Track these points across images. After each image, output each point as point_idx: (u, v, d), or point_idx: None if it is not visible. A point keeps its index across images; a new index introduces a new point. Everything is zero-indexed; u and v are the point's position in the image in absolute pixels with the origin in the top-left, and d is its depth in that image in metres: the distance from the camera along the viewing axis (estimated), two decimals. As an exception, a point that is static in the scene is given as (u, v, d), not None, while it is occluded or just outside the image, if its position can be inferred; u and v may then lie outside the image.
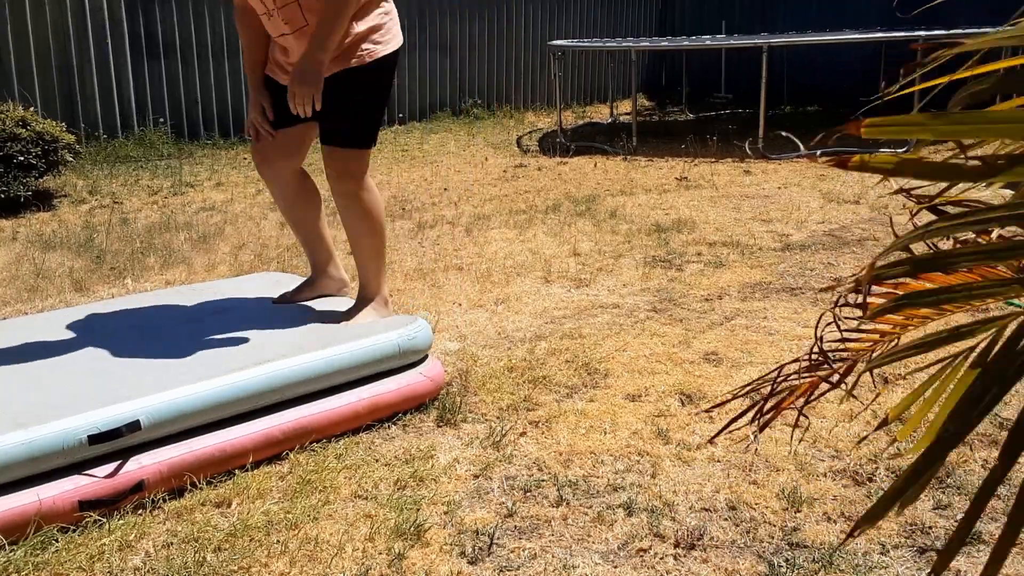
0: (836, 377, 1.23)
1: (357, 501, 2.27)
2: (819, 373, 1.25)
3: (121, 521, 2.16)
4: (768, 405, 1.25)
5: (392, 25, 2.97)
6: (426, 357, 2.90)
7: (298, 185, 3.12)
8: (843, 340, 1.23)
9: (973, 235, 1.10)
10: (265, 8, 2.83)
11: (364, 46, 2.87)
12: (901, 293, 1.14)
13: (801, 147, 7.96)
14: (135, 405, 2.27)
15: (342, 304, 3.14)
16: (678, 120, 10.88)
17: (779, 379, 1.24)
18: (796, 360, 1.26)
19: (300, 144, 3.05)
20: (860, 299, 1.13)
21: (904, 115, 0.77)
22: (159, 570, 1.98)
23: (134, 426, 2.23)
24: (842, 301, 1.17)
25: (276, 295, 3.25)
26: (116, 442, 2.22)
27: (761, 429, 1.30)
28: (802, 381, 1.24)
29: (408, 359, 2.80)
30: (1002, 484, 2.27)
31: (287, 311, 3.07)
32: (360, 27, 2.86)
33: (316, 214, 3.21)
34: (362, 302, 3.06)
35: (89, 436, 2.17)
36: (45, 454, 2.12)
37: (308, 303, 3.18)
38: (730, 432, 2.62)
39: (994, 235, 1.09)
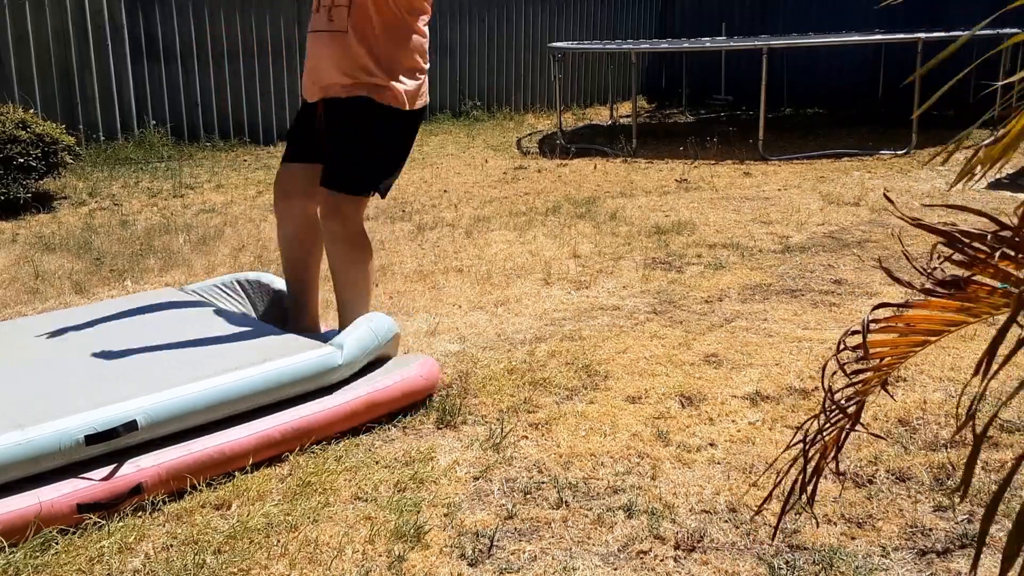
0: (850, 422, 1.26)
1: (357, 503, 2.27)
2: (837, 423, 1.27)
3: (120, 523, 2.16)
4: (804, 474, 1.27)
5: (421, 87, 2.96)
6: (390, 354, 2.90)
7: (307, 227, 3.08)
8: (849, 384, 1.25)
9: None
10: (326, 1, 2.86)
11: (393, 84, 2.87)
12: (899, 325, 1.16)
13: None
14: (132, 405, 2.27)
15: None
16: (678, 122, 10.88)
17: (806, 441, 1.26)
18: (814, 417, 1.28)
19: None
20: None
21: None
22: (158, 572, 1.98)
23: (131, 426, 2.23)
24: (843, 346, 1.19)
25: (272, 296, 3.25)
26: (113, 442, 2.22)
27: (811, 501, 1.33)
28: (827, 438, 1.26)
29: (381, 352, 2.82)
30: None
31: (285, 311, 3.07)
32: (393, 65, 2.86)
33: (316, 260, 3.17)
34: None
35: (86, 436, 2.17)
36: (42, 454, 2.12)
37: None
38: (731, 436, 2.62)
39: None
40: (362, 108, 2.86)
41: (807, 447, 1.25)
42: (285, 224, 3.10)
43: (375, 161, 2.94)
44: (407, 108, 2.90)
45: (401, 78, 2.88)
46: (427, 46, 2.99)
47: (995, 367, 0.94)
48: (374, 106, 2.86)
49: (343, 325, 2.99)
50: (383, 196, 3.02)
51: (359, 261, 2.99)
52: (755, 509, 2.20)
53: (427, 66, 2.99)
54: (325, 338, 2.87)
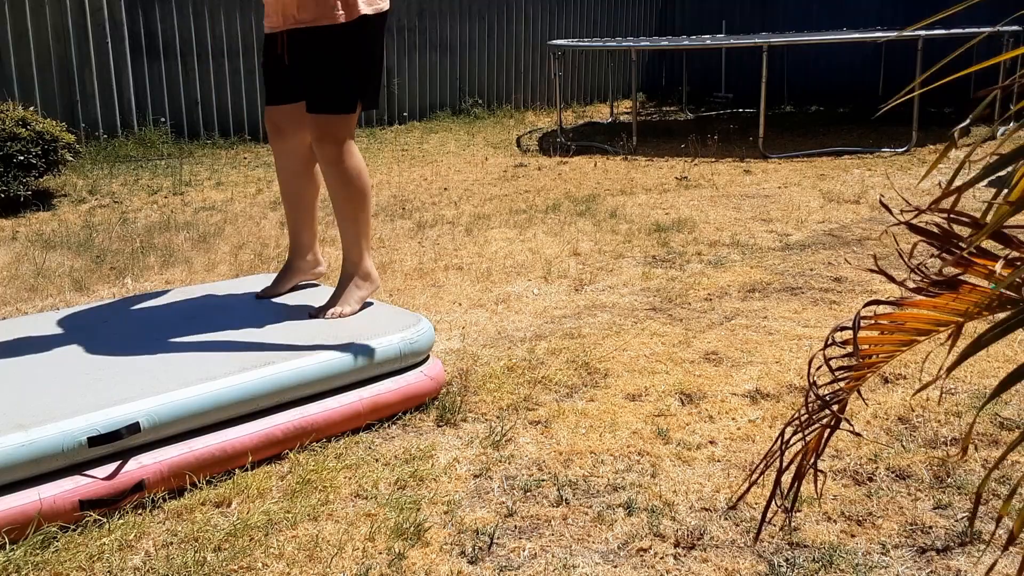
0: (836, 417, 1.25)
1: (357, 501, 2.27)
2: (821, 419, 1.26)
3: (121, 520, 2.16)
4: (787, 474, 1.26)
5: None
6: (427, 357, 2.89)
7: (304, 161, 3.18)
8: (835, 380, 1.25)
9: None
10: None
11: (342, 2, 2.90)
12: (887, 322, 1.16)
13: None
14: (135, 407, 2.27)
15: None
16: (678, 120, 10.88)
17: (784, 444, 1.25)
18: (795, 419, 1.27)
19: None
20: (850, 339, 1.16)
21: None
22: (159, 569, 1.98)
23: (134, 428, 2.23)
24: (831, 341, 1.19)
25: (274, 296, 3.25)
26: (116, 444, 2.21)
27: (791, 508, 1.32)
28: (808, 439, 1.26)
29: (408, 362, 2.79)
30: (1002, 484, 2.27)
31: (287, 312, 3.07)
32: None
33: (313, 193, 3.27)
34: (345, 278, 3.08)
35: (89, 438, 2.17)
36: (45, 455, 2.12)
37: (308, 301, 3.17)
38: (731, 434, 2.62)
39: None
40: (322, 34, 2.90)
41: (784, 448, 1.24)
42: (282, 160, 3.19)
43: (351, 76, 2.97)
44: (368, 12, 2.93)
45: None
46: None
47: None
48: (333, 29, 2.89)
49: (345, 259, 3.09)
50: (375, 105, 3.07)
51: (355, 181, 3.01)
52: (753, 507, 2.21)
53: None
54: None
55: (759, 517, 2.16)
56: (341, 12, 2.88)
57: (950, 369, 1.00)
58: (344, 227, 3.09)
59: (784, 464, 1.25)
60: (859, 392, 1.24)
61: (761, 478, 2.34)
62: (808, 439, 1.26)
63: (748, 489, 1.44)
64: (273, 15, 3.02)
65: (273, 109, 3.13)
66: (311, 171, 3.20)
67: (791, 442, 1.26)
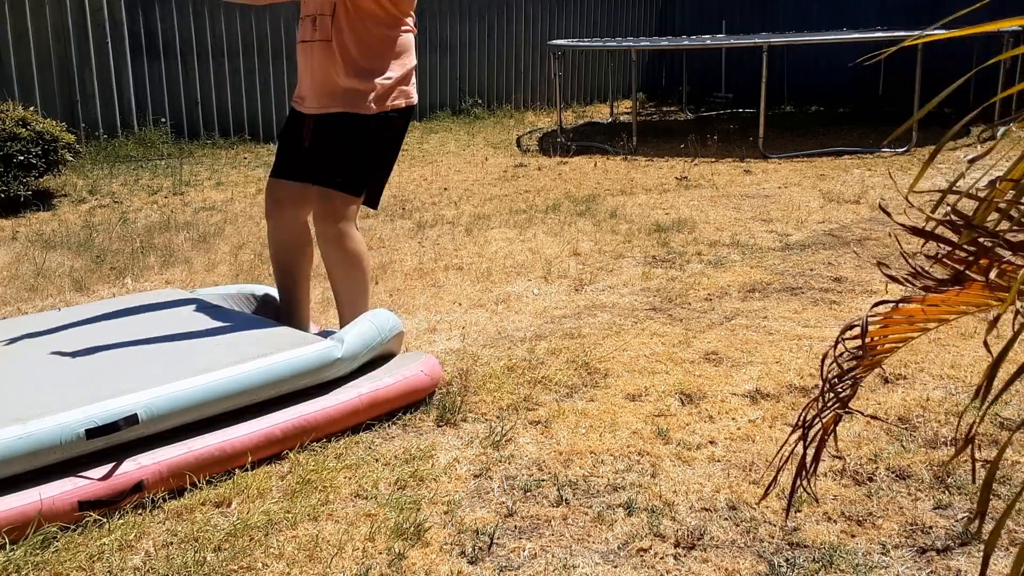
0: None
1: (357, 501, 2.27)
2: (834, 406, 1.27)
3: (121, 521, 2.16)
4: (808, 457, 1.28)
5: (407, 87, 2.99)
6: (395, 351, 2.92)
7: (299, 232, 3.12)
8: (845, 372, 1.26)
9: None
10: (310, 11, 2.90)
11: (378, 91, 2.90)
12: (896, 317, 1.17)
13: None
14: (133, 399, 2.27)
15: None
16: (678, 120, 10.88)
17: (806, 424, 1.27)
18: (813, 401, 1.28)
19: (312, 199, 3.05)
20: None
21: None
22: (159, 569, 1.98)
23: (132, 420, 2.23)
24: (841, 338, 1.20)
25: (267, 305, 3.27)
26: (114, 436, 2.22)
27: (811, 475, 1.34)
28: (823, 421, 1.27)
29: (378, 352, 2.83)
30: (1002, 484, 2.27)
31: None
32: (379, 70, 2.91)
33: (307, 264, 3.19)
34: None
35: (87, 430, 2.17)
36: (43, 448, 2.12)
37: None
38: (731, 434, 2.62)
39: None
40: (350, 121, 2.91)
41: (806, 429, 1.26)
42: (277, 232, 3.13)
43: (365, 163, 2.97)
44: (394, 111, 2.95)
45: (386, 82, 2.92)
46: (413, 42, 3.02)
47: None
48: (360, 118, 2.91)
49: (344, 325, 3.02)
50: (374, 205, 3.07)
51: (355, 263, 3.01)
52: (756, 504, 2.21)
53: (414, 63, 3.02)
54: (327, 336, 2.88)
55: (759, 517, 2.16)
56: (372, 104, 2.89)
57: (992, 398, 1.01)
58: (342, 307, 3.06)
59: (806, 441, 1.27)
60: (885, 373, 1.27)
61: (766, 477, 2.34)
62: (824, 420, 1.28)
63: (776, 477, 1.44)
64: (307, 98, 2.99)
65: (277, 183, 3.08)
66: (302, 243, 3.13)
67: (812, 422, 1.28)
